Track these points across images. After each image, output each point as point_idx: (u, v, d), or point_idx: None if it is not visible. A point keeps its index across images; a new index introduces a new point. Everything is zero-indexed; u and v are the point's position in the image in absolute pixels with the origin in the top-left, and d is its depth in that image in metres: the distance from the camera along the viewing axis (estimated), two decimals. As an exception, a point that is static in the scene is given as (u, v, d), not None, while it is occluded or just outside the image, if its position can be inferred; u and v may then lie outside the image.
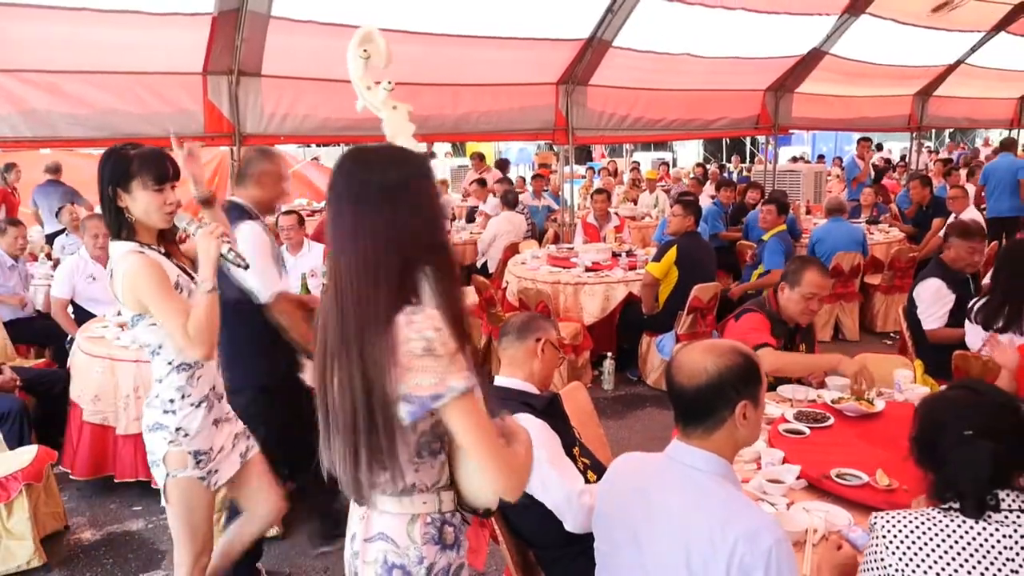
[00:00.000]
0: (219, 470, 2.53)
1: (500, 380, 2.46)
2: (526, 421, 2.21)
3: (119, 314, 4.61)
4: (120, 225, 2.39)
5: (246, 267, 2.48)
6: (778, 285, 3.42)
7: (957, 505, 1.65)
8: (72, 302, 5.17)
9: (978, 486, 1.62)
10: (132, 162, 2.35)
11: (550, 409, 2.40)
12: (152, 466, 2.50)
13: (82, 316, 5.07)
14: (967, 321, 3.84)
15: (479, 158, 12.78)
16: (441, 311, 1.46)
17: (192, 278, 2.49)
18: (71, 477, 4.14)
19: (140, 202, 2.35)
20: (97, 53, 5.19)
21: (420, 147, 1.70)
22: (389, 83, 1.68)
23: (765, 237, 6.46)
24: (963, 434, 1.66)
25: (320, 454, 1.58)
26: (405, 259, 1.46)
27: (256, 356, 3.08)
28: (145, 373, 3.94)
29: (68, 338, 4.90)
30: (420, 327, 1.41)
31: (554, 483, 2.19)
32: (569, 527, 2.21)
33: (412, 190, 1.48)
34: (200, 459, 2.46)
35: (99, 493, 4.23)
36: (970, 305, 3.83)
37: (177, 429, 2.43)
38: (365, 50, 1.74)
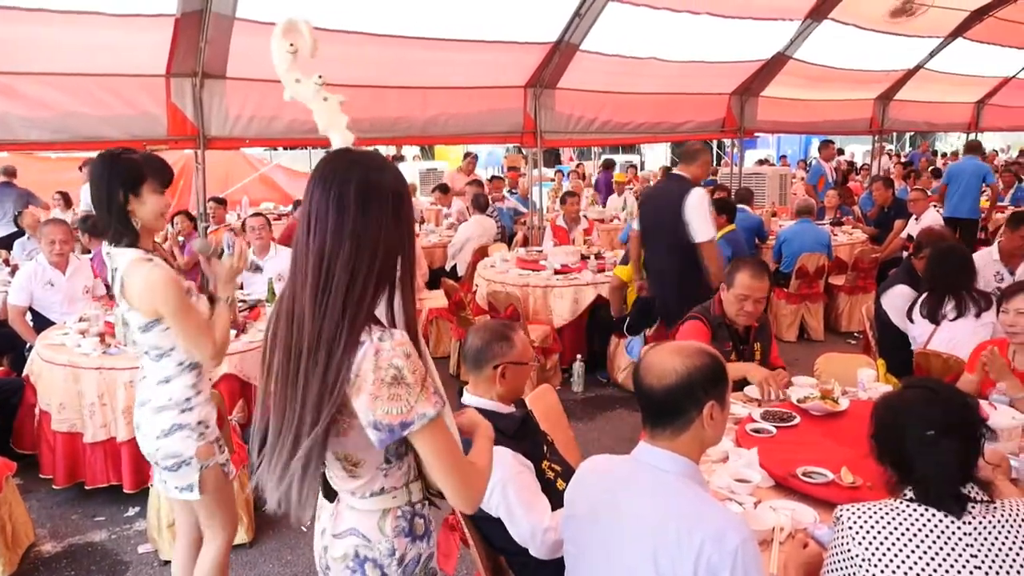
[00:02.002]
0: (229, 460, 2.66)
1: (468, 399, 2.42)
2: (498, 455, 2.20)
3: (80, 320, 4.52)
4: (124, 231, 2.41)
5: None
6: (720, 287, 3.50)
7: (910, 495, 1.70)
8: (30, 309, 5.05)
9: (951, 485, 1.67)
10: (142, 166, 2.40)
11: (522, 430, 2.38)
12: (177, 468, 2.51)
13: (40, 323, 4.95)
14: (908, 321, 3.98)
15: (473, 158, 12.32)
16: (406, 331, 1.47)
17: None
18: (54, 487, 4.11)
19: (149, 205, 2.42)
20: (56, 54, 5.08)
21: (350, 138, 1.69)
22: (320, 77, 1.66)
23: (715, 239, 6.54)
24: (925, 435, 1.69)
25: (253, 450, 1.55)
26: (380, 273, 1.42)
27: (699, 278, 4.42)
28: (108, 380, 3.88)
29: (27, 346, 4.79)
30: (389, 355, 1.39)
31: (521, 518, 2.20)
32: (534, 554, 2.22)
33: (394, 199, 1.45)
34: (221, 444, 2.61)
35: (61, 504, 4.14)
36: (909, 305, 4.01)
37: (199, 423, 2.52)
38: (292, 44, 1.72)
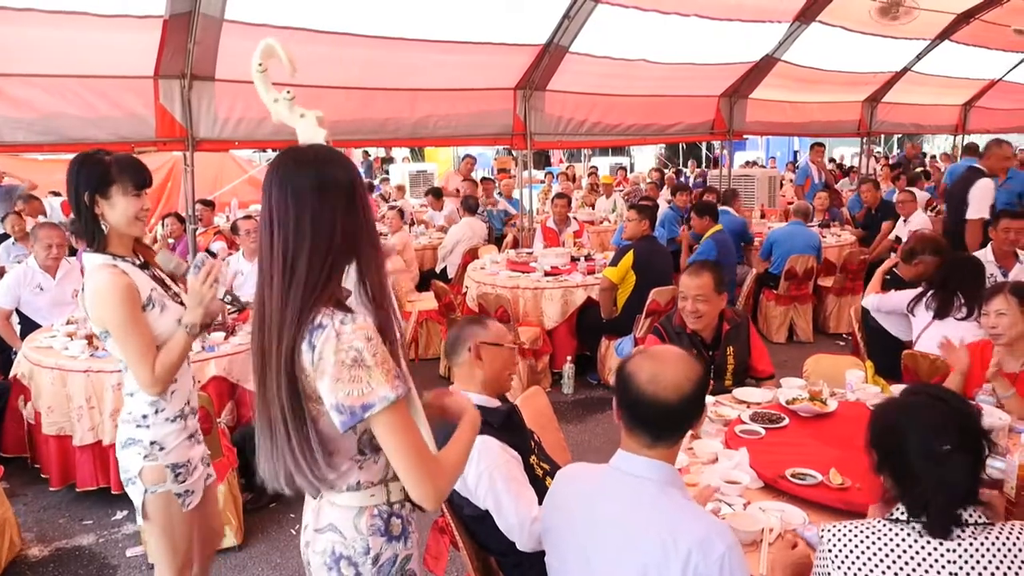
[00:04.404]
0: (194, 491, 2.48)
1: None
2: (484, 445, 2.21)
3: (67, 323, 4.50)
4: (93, 235, 2.33)
5: (241, 308, 2.45)
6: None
7: (902, 513, 1.64)
8: (18, 311, 5.02)
9: (953, 503, 1.59)
10: (111, 167, 2.31)
11: (508, 423, 2.39)
12: (127, 484, 2.42)
13: (28, 327, 4.92)
14: (910, 315, 3.99)
15: (472, 160, 12.21)
16: (372, 313, 1.50)
17: (167, 288, 2.45)
18: (51, 488, 4.12)
19: (119, 208, 2.32)
20: (43, 55, 5.04)
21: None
22: (288, 93, 1.69)
23: (701, 240, 6.56)
24: (940, 449, 1.59)
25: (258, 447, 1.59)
26: (336, 257, 1.48)
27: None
28: (96, 383, 3.87)
29: (13, 349, 4.76)
30: (350, 338, 1.42)
31: (508, 508, 2.19)
32: (520, 547, 2.21)
33: (347, 189, 1.50)
34: (179, 472, 2.41)
35: (48, 507, 4.12)
36: (913, 299, 3.99)
37: (152, 443, 2.37)
38: (260, 64, 1.73)
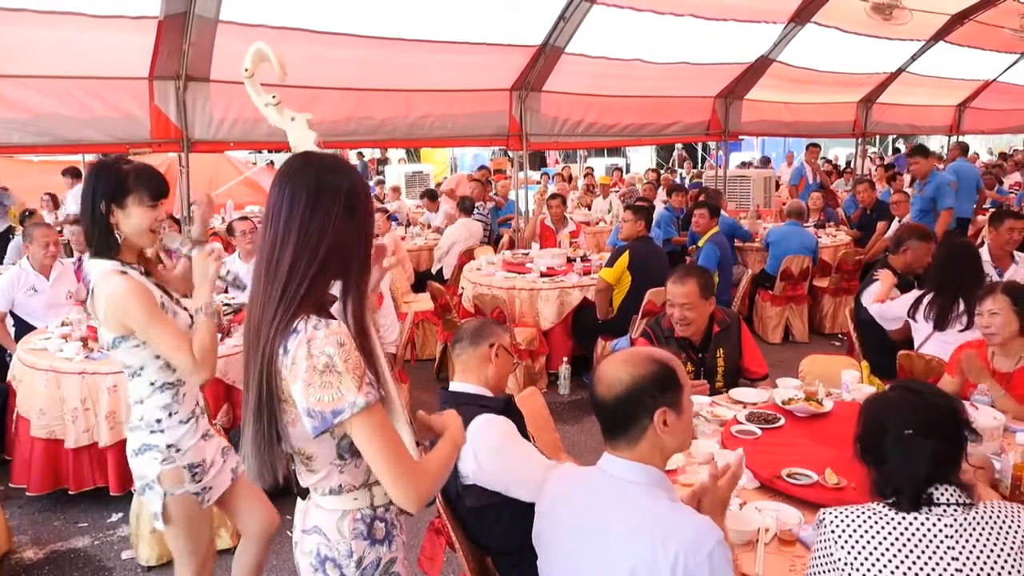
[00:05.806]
0: (212, 487, 2.50)
1: (455, 386, 2.47)
2: (488, 420, 2.24)
3: (62, 324, 4.48)
4: (105, 243, 2.33)
5: (244, 288, 2.45)
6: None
7: (892, 500, 1.71)
8: (12, 314, 5.00)
9: (914, 483, 1.68)
10: (128, 177, 2.31)
11: (506, 411, 2.40)
12: (144, 491, 2.43)
13: (23, 329, 4.91)
14: (911, 320, 3.96)
15: (487, 172, 12.33)
16: (351, 323, 1.51)
17: (171, 297, 2.47)
18: (27, 494, 4.04)
19: (134, 218, 2.32)
20: (37, 56, 5.04)
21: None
22: (274, 97, 1.71)
23: (700, 242, 6.54)
24: (904, 433, 1.70)
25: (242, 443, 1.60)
26: (322, 264, 1.48)
27: None
28: (91, 385, 3.85)
29: (8, 352, 4.74)
30: (321, 343, 1.43)
31: (531, 464, 2.21)
32: None
33: (344, 199, 1.50)
34: (195, 472, 2.43)
35: (43, 510, 4.10)
36: (912, 304, 3.95)
37: (168, 446, 2.38)
38: (247, 69, 1.75)
